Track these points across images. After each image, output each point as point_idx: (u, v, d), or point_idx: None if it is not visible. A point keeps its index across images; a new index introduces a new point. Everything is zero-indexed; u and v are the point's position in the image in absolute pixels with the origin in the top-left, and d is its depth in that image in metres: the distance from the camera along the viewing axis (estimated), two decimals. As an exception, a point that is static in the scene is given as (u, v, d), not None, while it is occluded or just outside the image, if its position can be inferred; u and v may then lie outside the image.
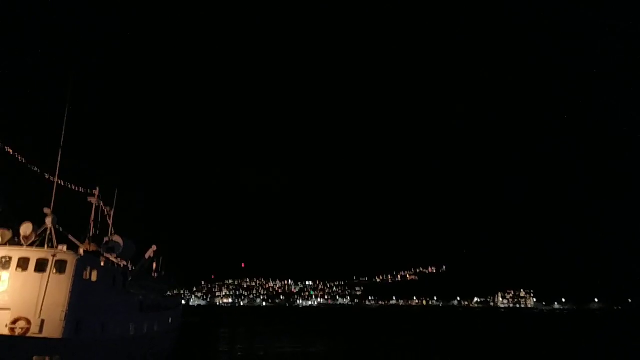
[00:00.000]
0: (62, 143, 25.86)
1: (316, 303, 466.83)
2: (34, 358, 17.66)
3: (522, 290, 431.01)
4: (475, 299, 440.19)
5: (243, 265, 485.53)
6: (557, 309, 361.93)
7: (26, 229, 22.69)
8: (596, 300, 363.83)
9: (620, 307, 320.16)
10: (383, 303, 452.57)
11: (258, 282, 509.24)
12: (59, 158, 24.96)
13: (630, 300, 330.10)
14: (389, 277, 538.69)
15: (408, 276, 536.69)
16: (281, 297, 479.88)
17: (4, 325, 19.19)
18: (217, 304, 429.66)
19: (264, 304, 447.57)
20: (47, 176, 24.70)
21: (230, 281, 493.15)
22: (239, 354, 43.51)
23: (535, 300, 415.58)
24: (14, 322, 19.41)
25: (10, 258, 20.75)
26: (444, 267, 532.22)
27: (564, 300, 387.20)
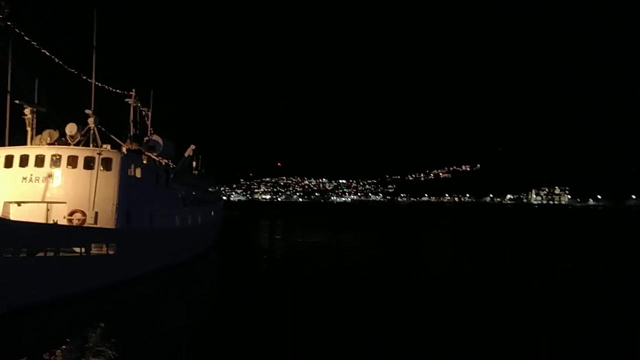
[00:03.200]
0: (94, 44, 26.00)
1: (349, 199, 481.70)
2: (93, 245, 19.61)
3: (556, 187, 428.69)
4: (508, 196, 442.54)
5: (279, 165, 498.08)
6: (591, 206, 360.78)
7: (71, 128, 23.76)
8: (633, 197, 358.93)
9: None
10: (415, 200, 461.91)
11: (294, 180, 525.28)
12: (94, 58, 25.25)
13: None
14: (422, 175, 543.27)
15: (441, 174, 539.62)
16: (316, 194, 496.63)
17: (62, 217, 21.05)
18: (257, 199, 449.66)
19: (300, 200, 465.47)
20: (84, 77, 25.25)
21: (268, 179, 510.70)
22: (278, 243, 46.68)
23: (569, 197, 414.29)
24: (71, 214, 21.24)
25: (60, 156, 22.08)
26: (478, 165, 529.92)
27: (599, 197, 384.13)
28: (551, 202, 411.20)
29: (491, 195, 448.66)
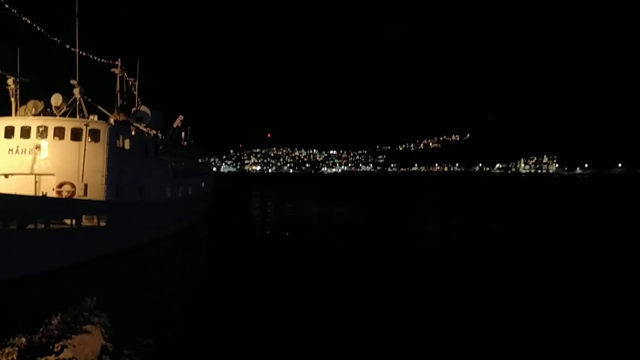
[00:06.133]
0: (77, 11, 25.16)
1: (340, 170, 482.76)
2: (84, 217, 19.51)
3: (545, 156, 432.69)
4: (497, 165, 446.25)
5: (269, 135, 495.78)
6: (578, 174, 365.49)
7: (57, 99, 23.23)
8: (619, 165, 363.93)
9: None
10: (404, 169, 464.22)
11: (284, 151, 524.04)
12: (77, 26, 24.49)
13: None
14: (412, 145, 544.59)
15: (431, 144, 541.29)
16: (307, 165, 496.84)
17: (51, 189, 20.83)
18: (247, 170, 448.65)
19: (291, 171, 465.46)
20: (68, 46, 24.56)
21: (258, 150, 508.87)
22: (269, 213, 46.86)
23: (557, 165, 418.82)
24: (60, 186, 21.02)
25: (47, 127, 21.63)
26: (468, 135, 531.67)
27: (586, 165, 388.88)
28: (539, 171, 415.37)
29: (480, 165, 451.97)
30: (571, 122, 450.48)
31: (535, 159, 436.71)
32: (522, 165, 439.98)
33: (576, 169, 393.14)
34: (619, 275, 20.13)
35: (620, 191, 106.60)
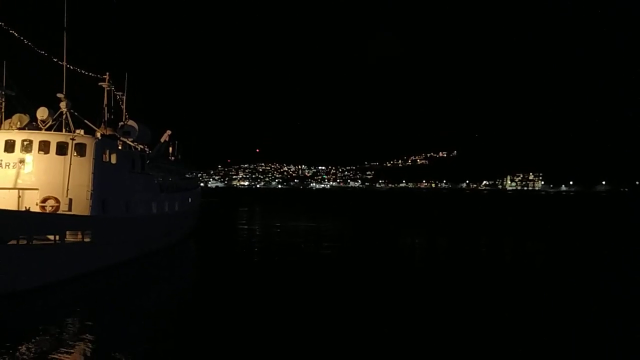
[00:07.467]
0: (65, 25, 25.08)
1: (329, 186, 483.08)
2: (68, 232, 19.16)
3: (530, 174, 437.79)
4: (484, 182, 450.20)
5: (258, 151, 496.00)
6: (563, 191, 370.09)
7: (42, 112, 22.97)
8: (603, 182, 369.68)
9: (626, 189, 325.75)
10: (392, 186, 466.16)
11: (273, 166, 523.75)
12: (65, 40, 24.39)
13: (638, 183, 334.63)
14: (400, 161, 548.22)
15: (418, 160, 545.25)
16: (295, 180, 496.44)
17: (34, 204, 20.45)
18: (235, 186, 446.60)
19: (279, 186, 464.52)
20: (55, 59, 24.41)
21: (246, 165, 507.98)
22: (257, 229, 46.52)
23: (543, 183, 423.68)
24: (44, 201, 20.66)
25: (31, 141, 21.37)
26: (455, 152, 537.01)
27: (571, 183, 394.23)
28: (525, 188, 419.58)
29: (467, 182, 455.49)
30: (557, 140, 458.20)
31: (522, 176, 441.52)
32: (509, 182, 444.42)
33: (561, 186, 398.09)
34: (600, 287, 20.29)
35: (604, 208, 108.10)
